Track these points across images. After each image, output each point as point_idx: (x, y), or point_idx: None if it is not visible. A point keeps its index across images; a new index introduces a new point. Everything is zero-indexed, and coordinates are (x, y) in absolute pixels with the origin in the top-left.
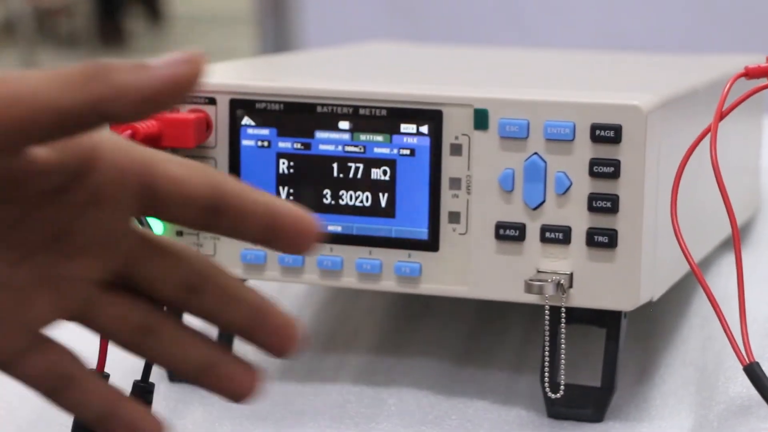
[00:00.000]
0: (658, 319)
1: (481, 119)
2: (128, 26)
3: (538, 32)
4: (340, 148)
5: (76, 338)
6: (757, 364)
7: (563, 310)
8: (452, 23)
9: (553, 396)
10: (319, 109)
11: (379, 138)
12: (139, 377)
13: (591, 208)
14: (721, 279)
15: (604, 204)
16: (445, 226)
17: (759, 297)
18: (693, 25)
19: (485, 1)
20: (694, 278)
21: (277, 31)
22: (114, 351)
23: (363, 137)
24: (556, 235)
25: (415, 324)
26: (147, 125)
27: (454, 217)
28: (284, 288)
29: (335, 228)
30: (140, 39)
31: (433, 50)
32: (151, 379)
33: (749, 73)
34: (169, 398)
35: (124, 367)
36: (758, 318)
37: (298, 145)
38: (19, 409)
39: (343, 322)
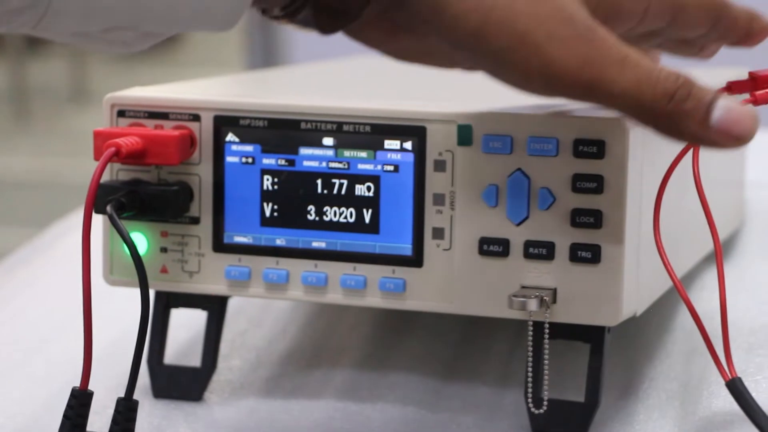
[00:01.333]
0: (642, 333)
1: (464, 135)
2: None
3: None
4: (324, 164)
5: (61, 355)
6: (740, 379)
7: (547, 325)
8: None
9: (536, 411)
10: (303, 125)
11: (363, 154)
12: (122, 394)
13: (574, 224)
14: (705, 293)
15: (587, 219)
16: (429, 242)
17: (743, 311)
18: None
19: None
20: (678, 293)
21: (265, 42)
22: (97, 368)
23: (347, 153)
24: (540, 251)
25: (400, 340)
26: (131, 141)
27: (438, 232)
28: (269, 304)
29: (319, 244)
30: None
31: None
32: (135, 396)
33: (732, 88)
34: (153, 415)
35: (107, 385)
36: (743, 332)
37: (283, 162)
38: (3, 428)
39: (328, 338)
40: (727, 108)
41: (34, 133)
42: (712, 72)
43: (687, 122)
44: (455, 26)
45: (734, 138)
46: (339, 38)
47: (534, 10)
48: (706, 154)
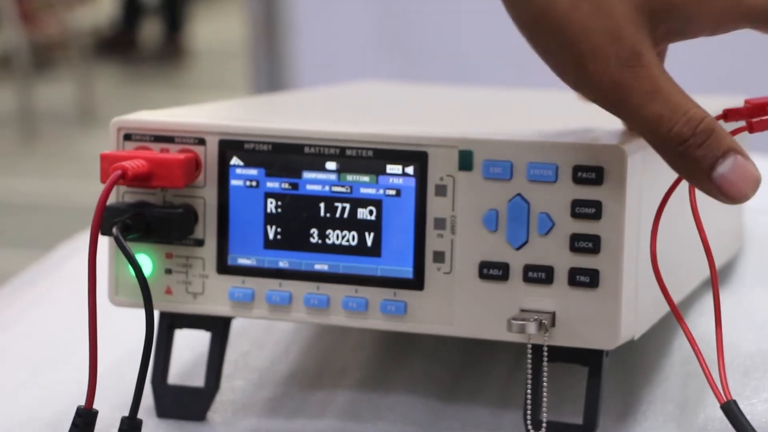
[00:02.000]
0: (641, 357)
1: (465, 160)
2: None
3: (531, 72)
4: (327, 188)
5: (67, 374)
6: (734, 402)
7: (545, 348)
8: (445, 62)
9: None
10: (306, 149)
11: (366, 178)
12: (127, 413)
13: (573, 249)
14: (703, 318)
15: (585, 244)
16: (429, 266)
17: (740, 335)
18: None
19: (478, 39)
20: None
21: (270, 66)
22: (102, 388)
23: (350, 177)
24: (539, 275)
25: (401, 361)
26: (137, 164)
27: (439, 256)
28: (271, 326)
29: (322, 267)
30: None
31: (422, 89)
32: (139, 416)
33: (728, 116)
34: None
35: (111, 404)
36: (739, 355)
37: (286, 185)
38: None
39: (330, 359)
40: (732, 167)
41: (41, 156)
42: (709, 99)
43: (692, 166)
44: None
45: (728, 197)
46: (345, 63)
47: (589, 23)
48: None
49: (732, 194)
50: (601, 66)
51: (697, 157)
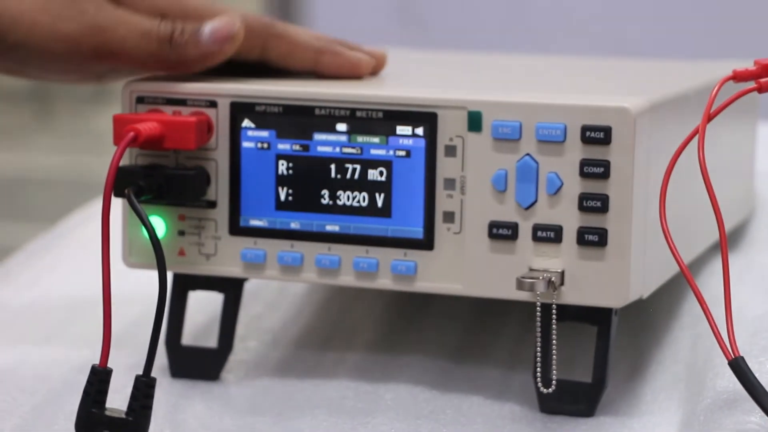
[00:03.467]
0: (650, 317)
1: (474, 121)
2: None
3: (546, 39)
4: (337, 149)
5: (82, 334)
6: (742, 358)
7: (554, 307)
8: (461, 31)
9: (545, 391)
10: (317, 111)
11: (376, 140)
12: (140, 372)
13: (582, 208)
14: (713, 279)
15: (594, 204)
16: (439, 226)
17: (749, 297)
18: (701, 31)
19: (493, 8)
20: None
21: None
22: (117, 349)
23: (360, 139)
24: (548, 234)
25: (412, 322)
26: (149, 127)
27: (449, 216)
28: (284, 287)
29: (333, 228)
30: None
31: (435, 56)
32: (153, 374)
33: (737, 77)
34: (170, 393)
35: (126, 363)
36: (747, 317)
37: (297, 147)
38: (23, 403)
39: (342, 320)
40: (211, 25)
41: (56, 132)
42: (718, 63)
43: (187, 52)
44: None
45: (225, 39)
46: (362, 35)
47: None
48: (713, 142)
49: (224, 34)
50: (65, 23)
51: (185, 42)
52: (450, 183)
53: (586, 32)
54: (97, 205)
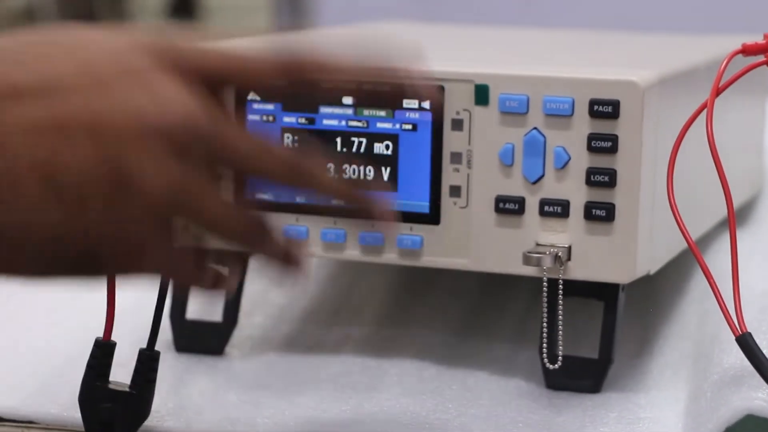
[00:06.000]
0: (658, 293)
1: (481, 95)
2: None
3: (553, 14)
4: (343, 123)
5: (85, 308)
6: (749, 334)
7: (561, 282)
8: (468, 5)
9: (551, 367)
10: (323, 84)
11: (382, 113)
12: (145, 346)
13: (589, 182)
14: (720, 255)
15: (601, 178)
16: (446, 200)
17: (757, 273)
18: (710, 5)
19: None
20: (692, 252)
21: (292, 16)
22: (121, 324)
23: (366, 112)
24: (555, 209)
25: (418, 298)
26: None
27: (455, 191)
28: None
29: (339, 201)
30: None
31: (443, 30)
32: (157, 348)
33: (746, 50)
34: (175, 368)
35: (131, 337)
36: (755, 293)
37: (303, 120)
38: (27, 377)
39: (348, 296)
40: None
41: None
42: (730, 37)
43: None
44: None
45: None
46: (369, 11)
47: None
48: (722, 118)
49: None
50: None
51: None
52: (456, 157)
53: (594, 6)
54: None
